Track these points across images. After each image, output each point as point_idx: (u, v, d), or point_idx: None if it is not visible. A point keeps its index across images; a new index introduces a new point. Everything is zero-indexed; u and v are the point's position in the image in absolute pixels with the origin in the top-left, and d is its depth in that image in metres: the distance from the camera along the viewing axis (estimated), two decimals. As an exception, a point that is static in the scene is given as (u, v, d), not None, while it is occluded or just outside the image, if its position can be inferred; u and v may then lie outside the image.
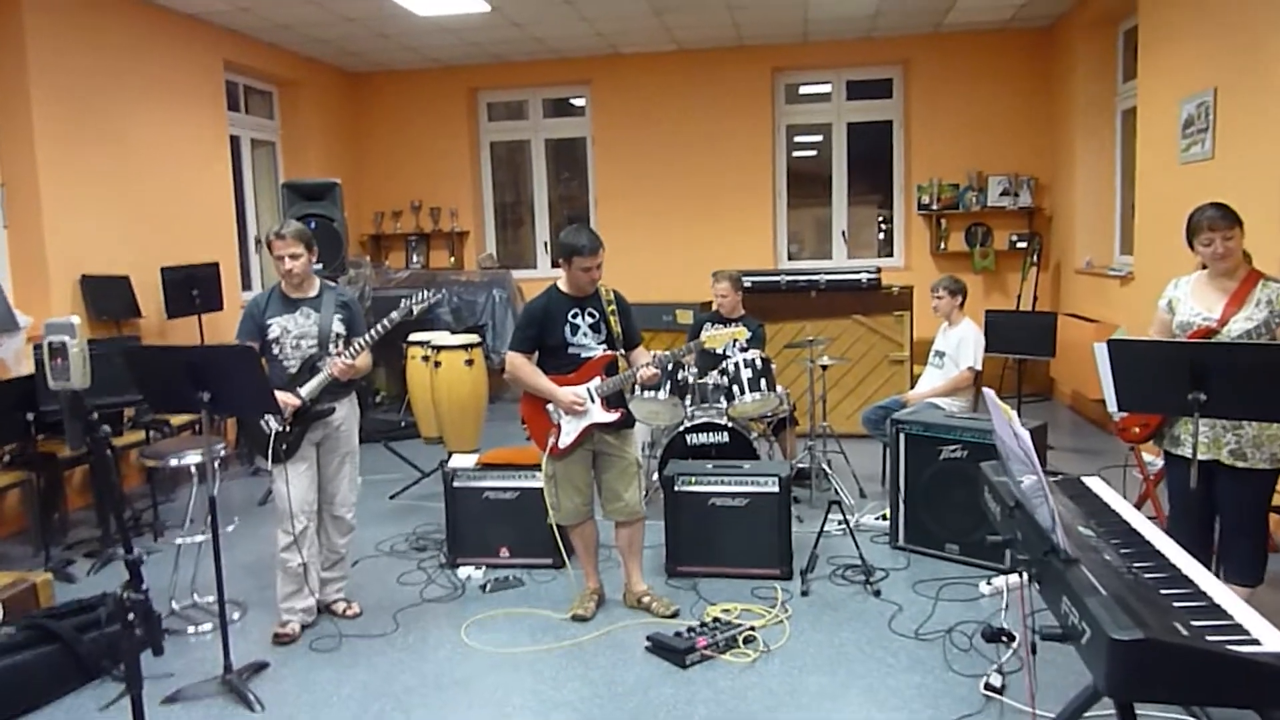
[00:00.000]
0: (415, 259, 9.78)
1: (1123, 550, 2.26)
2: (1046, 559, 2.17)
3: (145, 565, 2.65)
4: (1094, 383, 6.85)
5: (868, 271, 7.19)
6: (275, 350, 3.87)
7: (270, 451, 3.75)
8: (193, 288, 6.57)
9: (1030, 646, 2.55)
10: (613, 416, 3.96)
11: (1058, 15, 8.01)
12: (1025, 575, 2.39)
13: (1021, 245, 8.55)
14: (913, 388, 6.24)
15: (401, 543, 5.17)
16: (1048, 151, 8.50)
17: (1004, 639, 3.44)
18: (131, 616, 2.28)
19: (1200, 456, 3.19)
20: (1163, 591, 2.01)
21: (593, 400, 3.93)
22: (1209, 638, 1.78)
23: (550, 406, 3.96)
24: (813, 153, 9.47)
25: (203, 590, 4.32)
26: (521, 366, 3.97)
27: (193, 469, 4.38)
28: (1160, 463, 4.89)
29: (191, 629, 4.12)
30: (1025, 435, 2.15)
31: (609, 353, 4.00)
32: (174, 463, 4.32)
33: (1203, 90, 5.34)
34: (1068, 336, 7.06)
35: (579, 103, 9.68)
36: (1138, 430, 3.63)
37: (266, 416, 3.73)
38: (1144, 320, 4.59)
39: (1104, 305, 7.27)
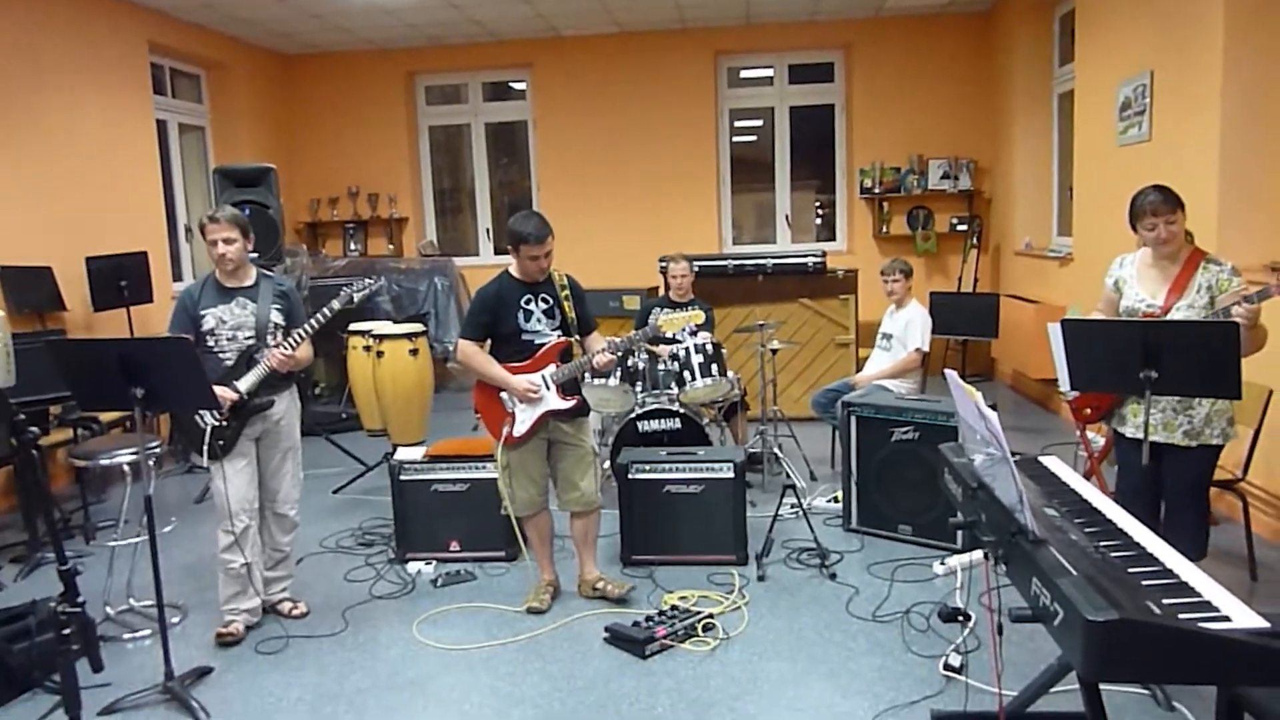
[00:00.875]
0: (353, 247, 9.55)
1: (1087, 529, 2.26)
2: (1014, 540, 2.16)
3: (78, 572, 2.51)
4: (1035, 362, 7.03)
5: (814, 256, 7.20)
6: (210, 342, 3.71)
7: (206, 448, 3.59)
8: (120, 278, 6.31)
9: (996, 627, 2.55)
10: (568, 404, 3.89)
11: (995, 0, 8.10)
12: (990, 556, 2.39)
13: (962, 228, 8.65)
14: (859, 370, 6.28)
15: (347, 538, 5.03)
16: (987, 134, 8.60)
17: (960, 618, 3.46)
18: (68, 631, 2.13)
19: (1154, 438, 3.23)
20: (1131, 570, 2.01)
21: (548, 387, 3.85)
22: (1181, 616, 1.78)
23: (504, 395, 3.87)
24: (752, 138, 9.45)
25: (139, 594, 4.14)
26: (474, 355, 3.87)
27: (125, 468, 4.18)
28: (1101, 440, 5.00)
29: (129, 635, 3.94)
30: (993, 416, 2.14)
31: (563, 339, 3.92)
32: (105, 462, 4.13)
33: (1139, 73, 5.44)
34: (1008, 317, 7.16)
35: (519, 86, 9.52)
36: (1089, 411, 3.67)
37: (202, 412, 3.57)
38: (1086, 300, 4.67)
39: (1043, 286, 7.39)
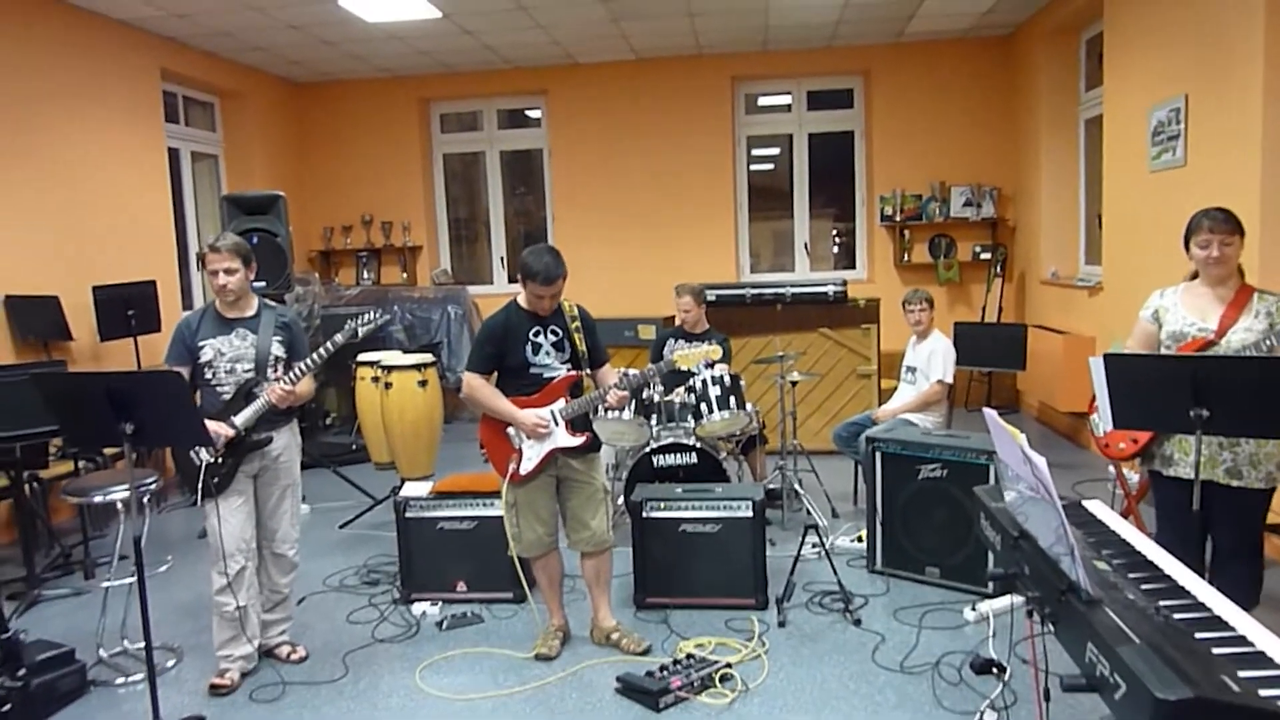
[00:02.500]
0: (366, 275, 9.45)
1: (1144, 586, 2.06)
2: (1064, 599, 1.96)
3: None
4: (1063, 394, 6.81)
5: (834, 284, 7.02)
6: (208, 375, 3.57)
7: (200, 485, 3.43)
8: (128, 308, 6.20)
9: (1042, 692, 2.35)
10: (578, 440, 3.71)
11: (1018, 24, 7.95)
12: (1035, 613, 2.19)
13: (985, 256, 8.46)
14: (881, 403, 6.08)
15: (352, 576, 4.85)
16: (1010, 161, 8.43)
17: (994, 670, 3.25)
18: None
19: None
20: (1199, 636, 1.80)
21: (556, 423, 3.68)
22: (1262, 692, 1.57)
23: (511, 430, 3.70)
24: (769, 166, 9.32)
25: (133, 636, 3.97)
26: (480, 388, 3.70)
27: (120, 504, 4.03)
28: (1136, 477, 4.77)
29: (121, 679, 3.78)
30: (1040, 462, 1.95)
31: (573, 373, 3.75)
32: (99, 499, 3.97)
33: (1173, 96, 5.26)
34: (1035, 348, 6.95)
35: (534, 114, 9.43)
36: (1124, 446, 3.46)
37: (197, 448, 3.42)
38: (1119, 332, 4.47)
39: (1071, 316, 7.18)
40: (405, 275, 9.40)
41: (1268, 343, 3.02)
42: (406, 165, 9.31)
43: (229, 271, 3.57)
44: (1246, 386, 2.69)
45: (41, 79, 6.06)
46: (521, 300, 3.73)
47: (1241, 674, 1.63)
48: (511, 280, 9.45)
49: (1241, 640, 1.80)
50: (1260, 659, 1.72)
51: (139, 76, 6.97)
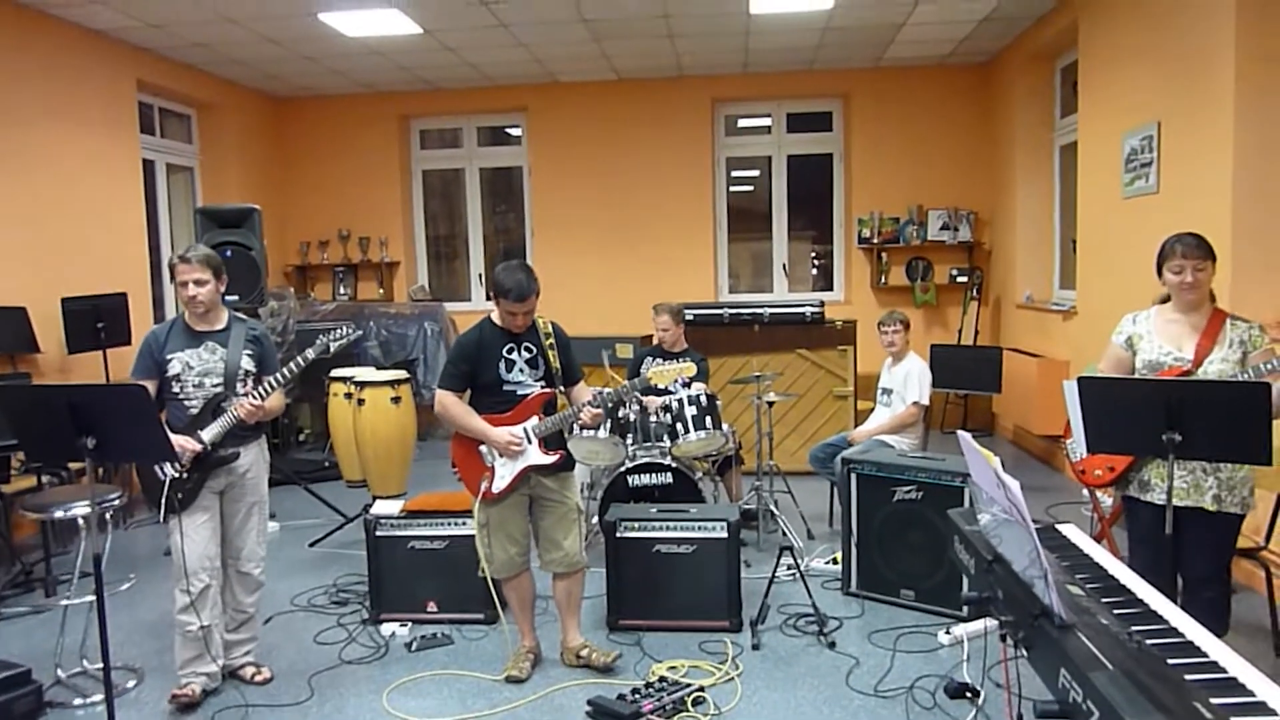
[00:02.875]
0: (343, 290, 9.38)
1: (1117, 612, 2.05)
2: (1037, 623, 1.94)
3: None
4: (1038, 417, 6.84)
5: (811, 305, 7.03)
6: (175, 388, 3.50)
7: (164, 501, 3.36)
8: (98, 320, 6.10)
9: (1017, 718, 2.32)
10: (551, 459, 3.67)
11: (996, 51, 8.04)
12: (1009, 638, 2.17)
13: (962, 279, 8.51)
14: (858, 424, 6.07)
15: (320, 596, 4.77)
16: (987, 186, 8.50)
17: (968, 694, 3.22)
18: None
19: (1178, 503, 3.02)
20: (1172, 662, 1.79)
21: (530, 441, 3.63)
22: (1235, 720, 1.56)
23: (484, 448, 3.65)
24: (749, 187, 9.35)
25: (93, 655, 3.87)
26: (452, 406, 3.66)
27: (81, 520, 3.94)
28: (1109, 501, 4.78)
29: (79, 700, 3.68)
30: (1014, 485, 1.93)
31: (547, 390, 3.71)
32: (59, 514, 3.88)
33: (1146, 123, 5.32)
34: (1011, 371, 6.98)
35: (515, 131, 9.42)
36: (1101, 473, 3.46)
37: (161, 462, 3.35)
38: (1092, 356, 4.48)
39: (1046, 340, 7.22)
40: (382, 291, 9.33)
41: (1243, 376, 3.03)
42: (385, 181, 9.26)
43: (199, 283, 3.52)
44: (1219, 410, 2.69)
45: (14, 87, 5.97)
46: (495, 317, 3.70)
47: (1215, 700, 1.62)
48: (489, 298, 9.37)
49: (1214, 666, 1.78)
50: (1233, 686, 1.70)
51: (114, 87, 6.90)
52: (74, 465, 5.55)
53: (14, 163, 5.96)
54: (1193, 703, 1.59)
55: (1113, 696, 1.57)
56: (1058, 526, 2.73)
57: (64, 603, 3.92)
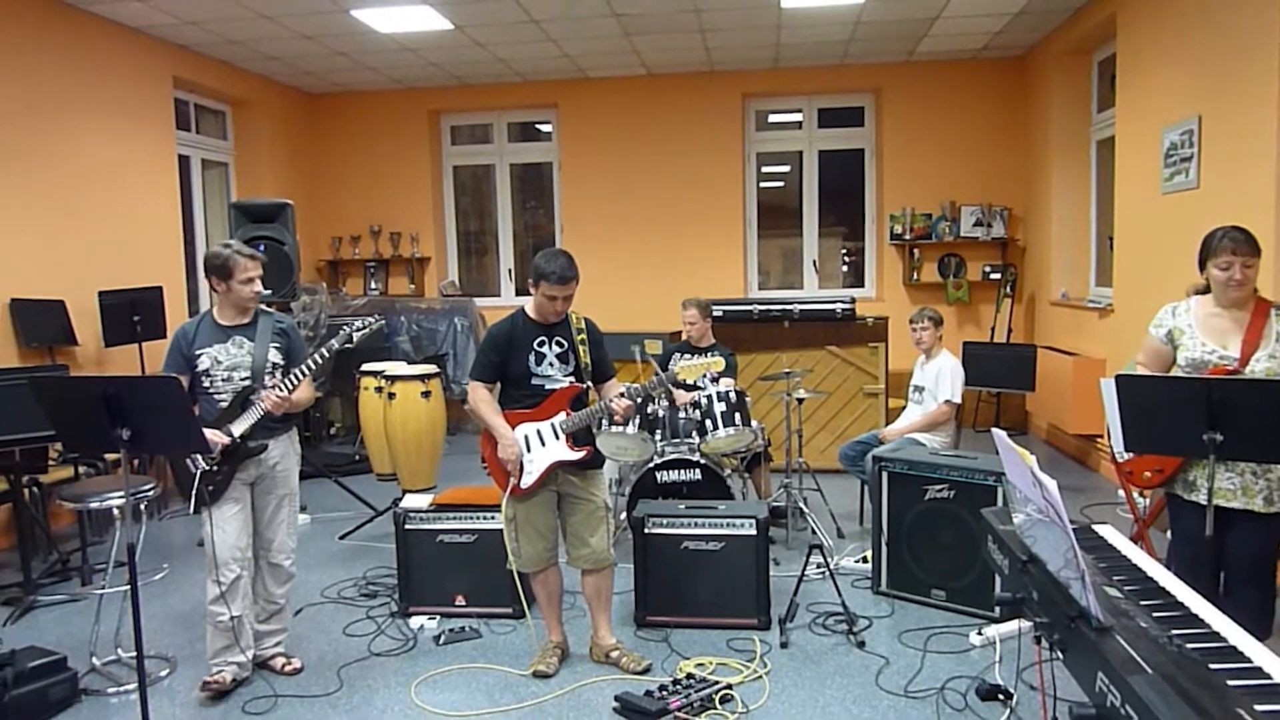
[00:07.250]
0: (374, 285, 9.45)
1: (1157, 615, 2.00)
2: (1074, 625, 1.90)
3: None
4: (1072, 416, 6.73)
5: (842, 302, 6.97)
6: (205, 383, 3.53)
7: (194, 493, 3.39)
8: (134, 313, 6.20)
9: (1050, 721, 2.28)
10: (579, 454, 3.66)
11: (1031, 45, 7.93)
12: (1044, 640, 2.13)
13: (995, 276, 8.41)
14: (889, 422, 6.01)
15: (350, 588, 4.80)
16: (1021, 181, 8.39)
17: (1000, 697, 3.18)
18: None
19: (1228, 504, 2.94)
20: (1213, 666, 1.74)
21: (558, 436, 3.63)
22: (1280, 727, 1.52)
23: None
24: (779, 183, 9.29)
25: (127, 644, 3.92)
26: (481, 401, 3.66)
27: (116, 511, 3.99)
28: (1145, 502, 4.69)
29: (113, 688, 3.73)
30: (1051, 485, 1.89)
31: (575, 384, 3.70)
32: (95, 505, 3.93)
33: (1186, 118, 5.21)
34: (1045, 369, 6.89)
35: (545, 127, 9.43)
36: (1149, 475, 3.36)
37: (193, 455, 3.39)
38: (1130, 354, 4.40)
39: (1081, 337, 7.12)
40: (413, 286, 9.39)
41: None
42: (416, 177, 9.32)
43: (261, 278, 3.60)
44: (1262, 409, 2.63)
45: (53, 84, 6.07)
46: (529, 309, 3.69)
47: (1258, 707, 1.57)
48: (519, 293, 9.42)
49: (1258, 672, 1.74)
50: (1277, 692, 1.65)
51: (151, 83, 6.99)
52: (110, 457, 5.63)
53: (53, 159, 6.05)
54: (1235, 708, 1.55)
55: (1152, 701, 1.53)
56: (1094, 527, 2.68)
57: (99, 592, 3.98)
